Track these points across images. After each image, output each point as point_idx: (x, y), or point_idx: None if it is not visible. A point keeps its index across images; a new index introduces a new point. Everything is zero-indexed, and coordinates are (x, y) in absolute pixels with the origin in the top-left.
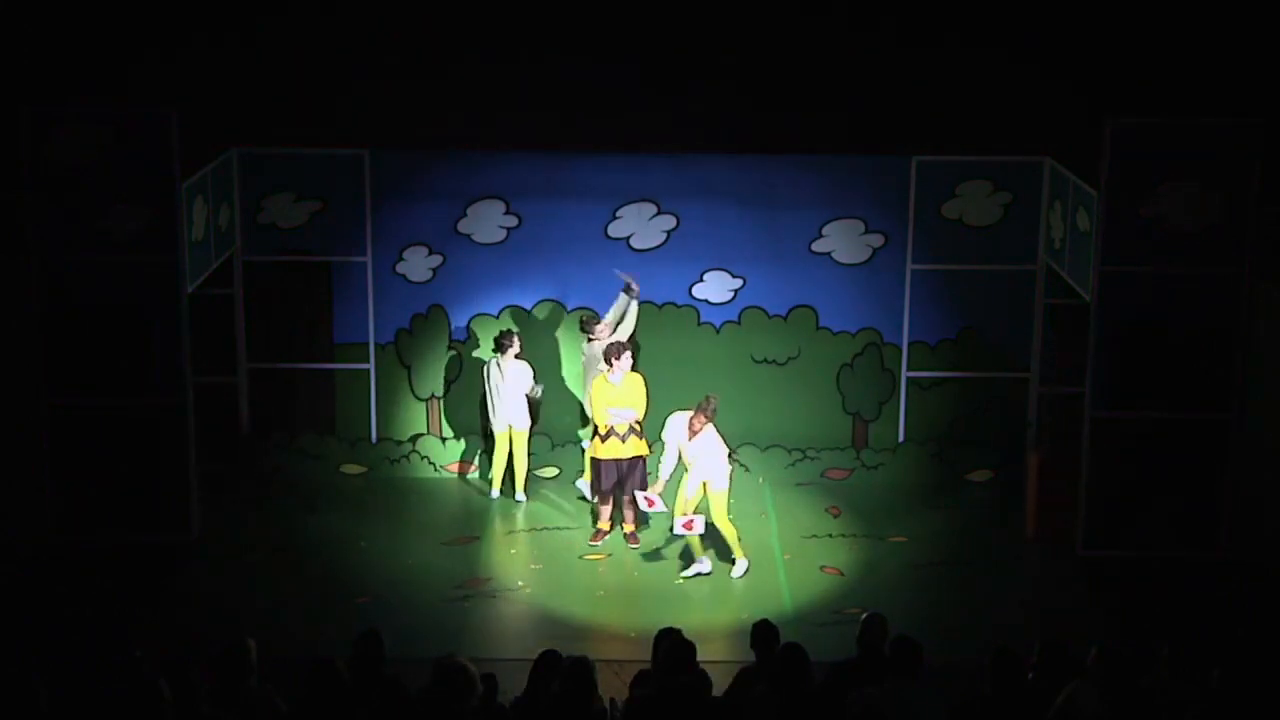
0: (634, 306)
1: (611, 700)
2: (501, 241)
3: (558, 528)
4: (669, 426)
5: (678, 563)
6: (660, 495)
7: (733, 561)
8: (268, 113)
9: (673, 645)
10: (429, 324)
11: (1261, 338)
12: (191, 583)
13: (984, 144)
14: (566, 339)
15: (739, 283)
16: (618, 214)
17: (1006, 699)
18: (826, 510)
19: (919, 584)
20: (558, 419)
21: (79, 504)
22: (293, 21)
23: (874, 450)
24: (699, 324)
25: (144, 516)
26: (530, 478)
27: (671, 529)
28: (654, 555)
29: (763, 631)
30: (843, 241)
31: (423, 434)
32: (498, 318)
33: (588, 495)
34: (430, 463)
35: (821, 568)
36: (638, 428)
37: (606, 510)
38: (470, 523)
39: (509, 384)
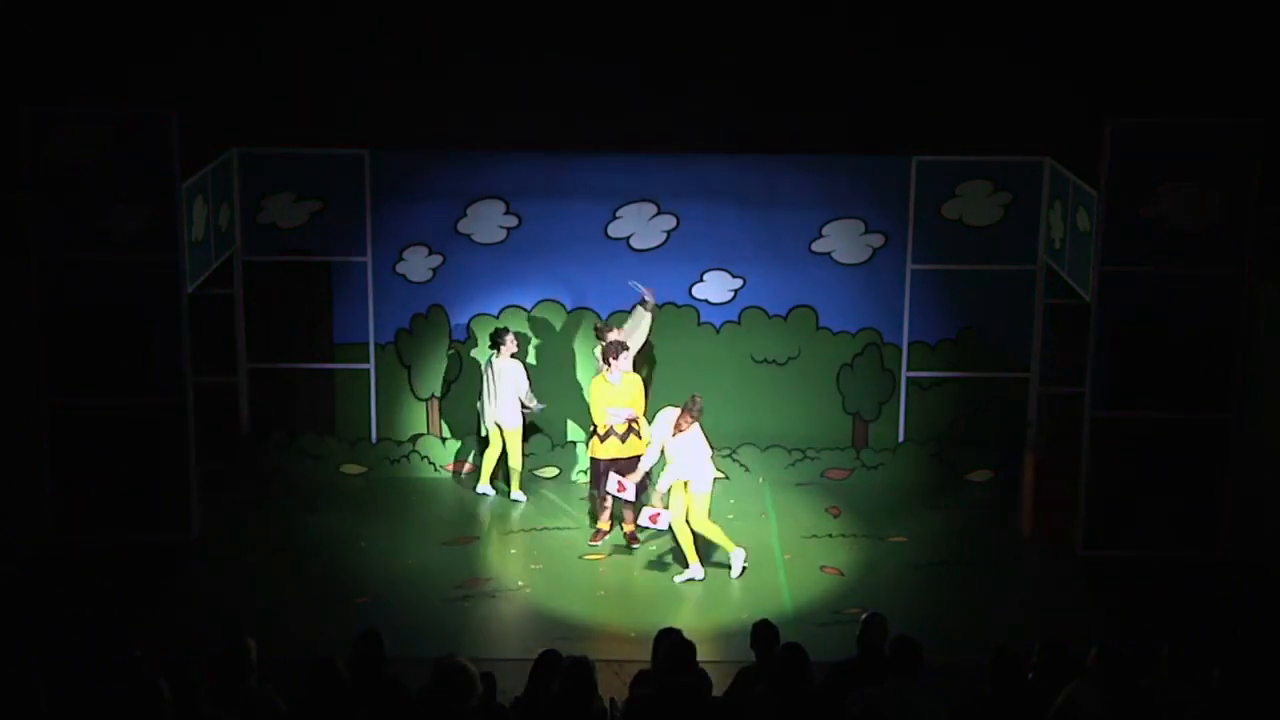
0: (648, 318)
1: (611, 700)
2: (501, 241)
3: (558, 528)
4: (658, 421)
5: (677, 562)
6: (634, 484)
7: (728, 565)
8: (268, 113)
9: (673, 645)
10: (429, 324)
11: (1261, 338)
12: (191, 583)
13: (984, 144)
14: (566, 339)
15: (739, 283)
16: (618, 214)
17: (1006, 699)
18: (826, 510)
19: (919, 584)
20: (560, 420)
21: (79, 504)
22: (293, 21)
23: (874, 450)
24: (699, 324)
25: (144, 516)
26: (530, 477)
27: (637, 518)
28: (654, 555)
29: (763, 631)
30: (843, 241)
31: (423, 434)
32: (498, 318)
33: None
34: (430, 463)
35: (821, 568)
36: (637, 427)
37: (606, 510)
38: (470, 523)
39: (500, 382)
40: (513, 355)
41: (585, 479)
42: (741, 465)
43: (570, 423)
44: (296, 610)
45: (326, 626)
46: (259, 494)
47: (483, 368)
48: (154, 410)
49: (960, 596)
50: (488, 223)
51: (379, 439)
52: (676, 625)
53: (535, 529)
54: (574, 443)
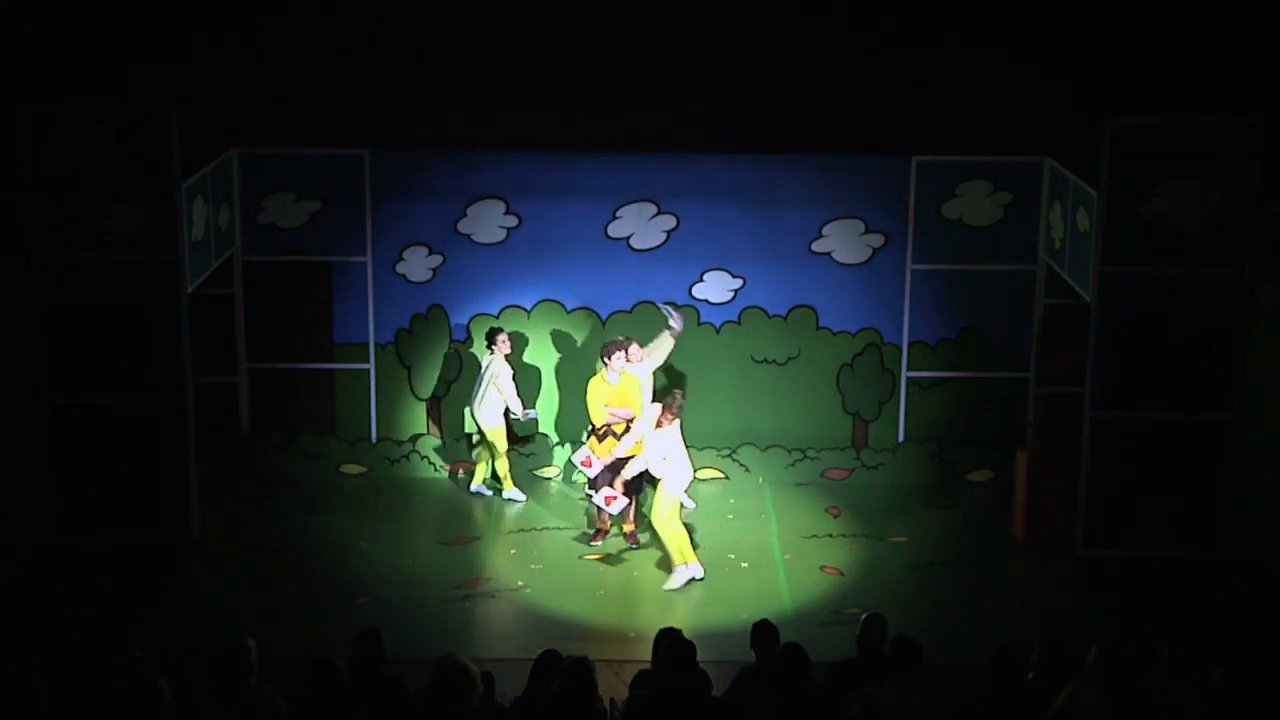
0: (670, 344)
1: (611, 700)
2: (501, 241)
3: (558, 528)
4: (645, 414)
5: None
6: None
7: (735, 566)
8: (268, 113)
9: (673, 645)
10: (429, 324)
11: (1261, 338)
12: (191, 583)
13: (984, 144)
14: (566, 340)
15: (739, 283)
16: (618, 214)
17: (1006, 699)
18: (826, 510)
19: (919, 584)
20: (561, 420)
21: (79, 504)
22: (293, 21)
23: (874, 450)
24: (699, 324)
25: (144, 516)
26: (530, 477)
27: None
28: (654, 555)
29: (763, 631)
30: (843, 241)
31: (423, 434)
32: (498, 318)
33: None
34: (430, 463)
35: (821, 568)
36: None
37: (606, 510)
38: (470, 523)
39: (487, 381)
40: (505, 356)
41: (585, 479)
42: (741, 465)
43: (572, 420)
44: (296, 610)
45: (326, 626)
46: (259, 494)
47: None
48: (154, 410)
49: (960, 596)
50: (488, 223)
51: (379, 439)
52: (676, 625)
53: (535, 529)
54: (577, 442)
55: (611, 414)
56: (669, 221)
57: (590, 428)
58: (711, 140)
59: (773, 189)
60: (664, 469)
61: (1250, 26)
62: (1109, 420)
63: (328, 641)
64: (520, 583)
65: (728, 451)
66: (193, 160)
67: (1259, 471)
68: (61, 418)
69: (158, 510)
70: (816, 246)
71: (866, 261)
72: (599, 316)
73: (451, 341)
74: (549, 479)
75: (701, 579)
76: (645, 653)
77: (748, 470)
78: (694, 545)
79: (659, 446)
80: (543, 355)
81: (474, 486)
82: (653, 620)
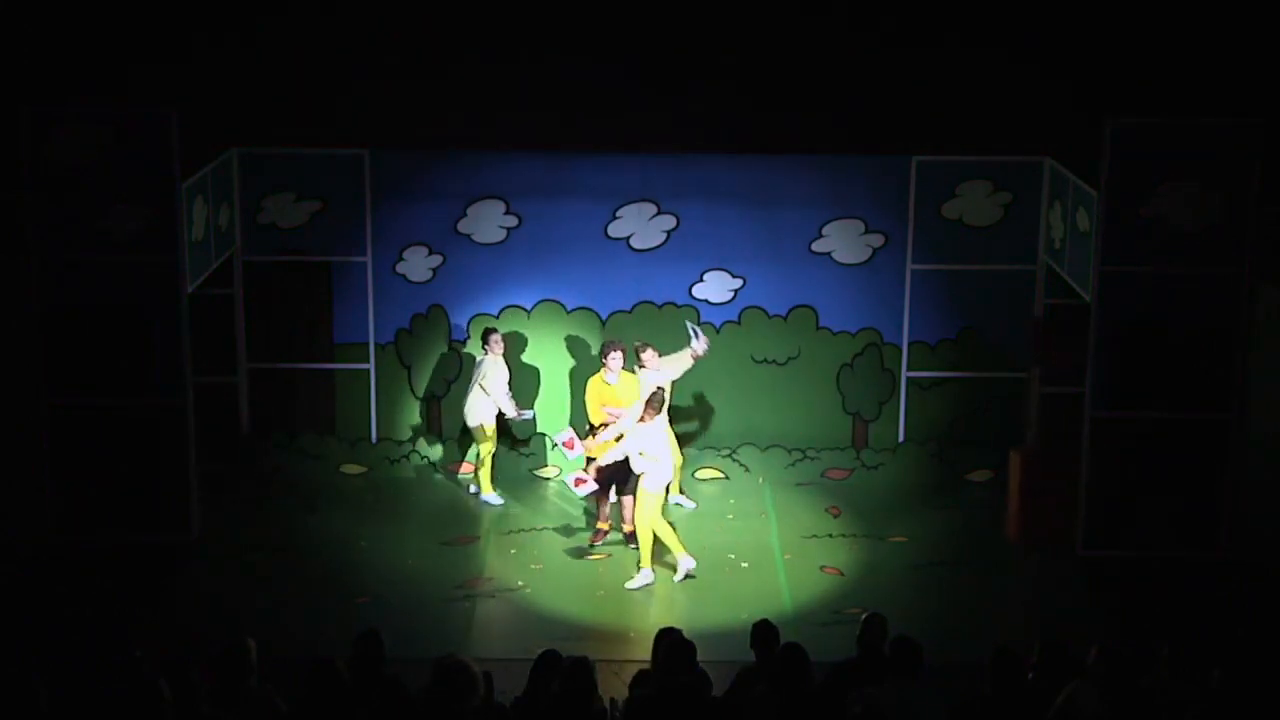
0: (689, 363)
1: (611, 700)
2: (501, 241)
3: (558, 528)
4: (632, 409)
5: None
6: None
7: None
8: (268, 113)
9: (673, 645)
10: (429, 324)
11: (1261, 338)
12: (191, 583)
13: (984, 144)
14: (566, 340)
15: (739, 283)
16: (618, 214)
17: (1006, 699)
18: (826, 510)
19: (919, 584)
20: (561, 421)
21: (79, 504)
22: (293, 21)
23: (874, 450)
24: (699, 324)
25: (144, 516)
26: (530, 477)
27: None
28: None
29: (763, 631)
30: (843, 241)
31: (423, 434)
32: (498, 318)
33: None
34: (430, 463)
35: (821, 568)
36: None
37: (605, 510)
38: (470, 523)
39: (475, 380)
40: (503, 356)
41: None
42: (741, 465)
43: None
44: (296, 610)
45: (326, 626)
46: (259, 494)
47: None
48: (154, 410)
49: (960, 596)
50: (488, 223)
51: (379, 439)
52: (676, 625)
53: (535, 529)
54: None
55: (610, 414)
56: (669, 221)
57: (589, 427)
58: (711, 140)
59: (773, 189)
60: (643, 465)
61: (1250, 26)
62: (1109, 420)
63: (328, 641)
64: (520, 583)
65: (728, 451)
66: (193, 160)
67: (1259, 471)
68: (61, 418)
69: (158, 510)
70: (816, 246)
71: (866, 261)
72: (599, 316)
73: (451, 341)
74: (549, 479)
75: (693, 575)
76: (645, 653)
77: (748, 470)
78: (680, 543)
79: (638, 441)
80: (542, 355)
81: (473, 488)
82: (653, 620)
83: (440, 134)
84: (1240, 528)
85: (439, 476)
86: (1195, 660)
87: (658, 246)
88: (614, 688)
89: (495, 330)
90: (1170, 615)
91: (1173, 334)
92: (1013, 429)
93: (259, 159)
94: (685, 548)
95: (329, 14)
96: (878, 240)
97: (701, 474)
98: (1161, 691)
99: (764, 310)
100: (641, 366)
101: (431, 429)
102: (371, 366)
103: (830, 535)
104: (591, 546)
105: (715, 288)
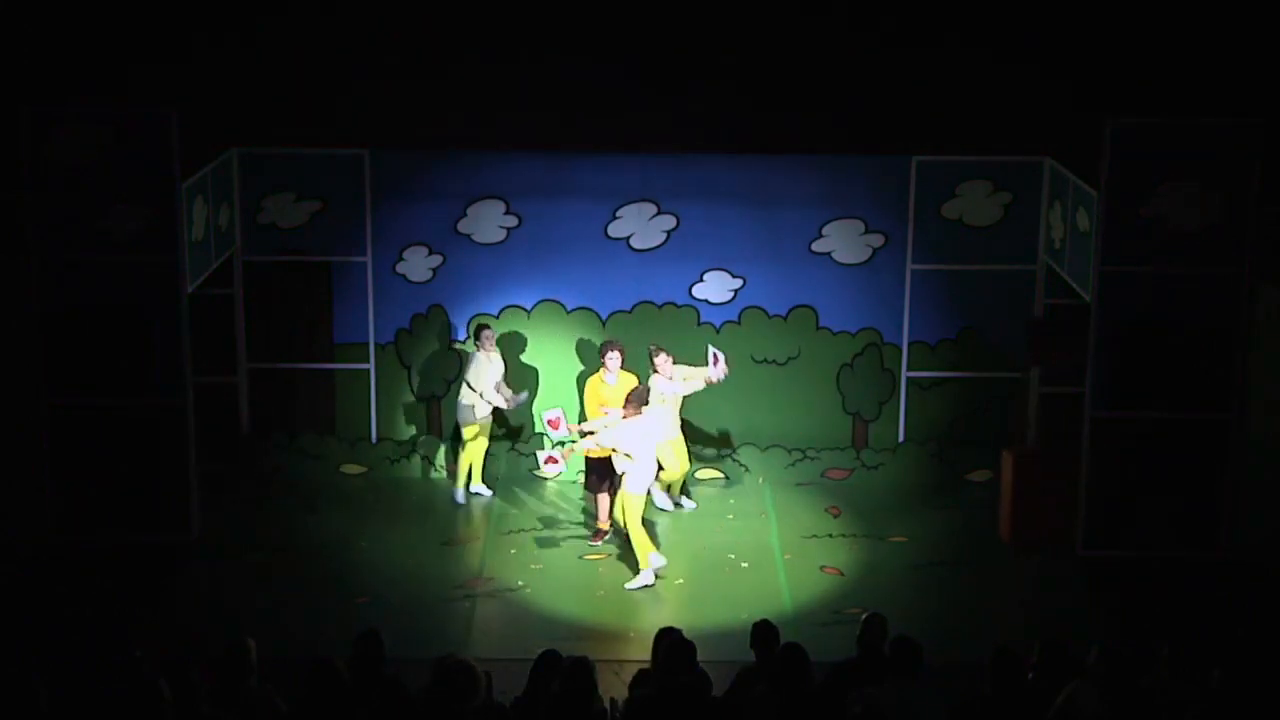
0: (701, 385)
1: (611, 700)
2: (501, 241)
3: (557, 528)
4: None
5: (677, 562)
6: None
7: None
8: (268, 113)
9: (673, 645)
10: (429, 324)
11: (1261, 338)
12: (191, 583)
13: (984, 144)
14: (566, 340)
15: (739, 283)
16: (618, 214)
17: (1006, 699)
18: (826, 510)
19: (919, 584)
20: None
21: (79, 504)
22: (293, 21)
23: (874, 450)
24: (699, 324)
25: (144, 516)
26: (530, 477)
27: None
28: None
29: (763, 631)
30: (843, 241)
31: (423, 434)
32: (498, 318)
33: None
34: (430, 463)
35: (821, 568)
36: None
37: (605, 510)
38: (470, 523)
39: (464, 374)
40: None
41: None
42: (741, 465)
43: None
44: (296, 610)
45: (326, 626)
46: (259, 494)
47: None
48: (154, 410)
49: (960, 596)
50: (488, 223)
51: (379, 439)
52: (676, 625)
53: (535, 529)
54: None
55: (608, 414)
56: (669, 221)
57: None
58: (711, 140)
59: (773, 189)
60: (624, 465)
61: (1250, 26)
62: (1109, 420)
63: (328, 641)
64: (520, 583)
65: (728, 451)
66: (193, 160)
67: (1259, 471)
68: (61, 418)
69: (158, 510)
70: (816, 246)
71: (866, 261)
72: (599, 316)
73: (451, 341)
74: (549, 479)
75: (661, 574)
76: (645, 653)
77: (748, 470)
78: (655, 543)
79: (618, 437)
80: (543, 355)
81: (473, 486)
82: (653, 620)
83: (440, 134)
84: (1240, 528)
85: (439, 476)
86: (1195, 660)
87: (658, 246)
88: (614, 688)
89: (488, 326)
90: (1170, 615)
91: (1173, 334)
92: (1013, 429)
93: (259, 159)
94: (656, 549)
95: (329, 14)
96: (878, 240)
97: (701, 474)
98: (1161, 691)
99: (764, 310)
100: (654, 371)
101: (431, 429)
102: (371, 366)
103: (830, 535)
104: (591, 546)
105: (715, 288)
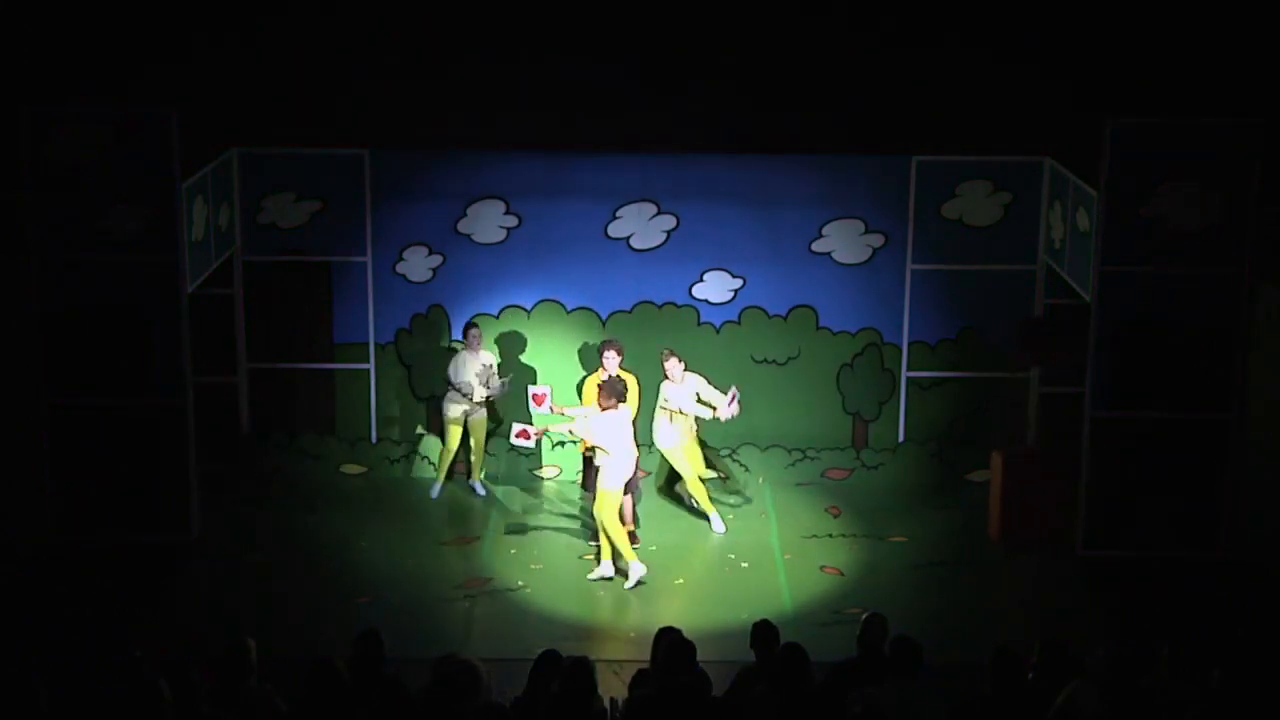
0: (708, 416)
1: (611, 700)
2: (501, 241)
3: (558, 528)
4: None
5: (677, 562)
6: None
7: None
8: (268, 113)
9: (672, 645)
10: (429, 324)
11: (1261, 338)
12: (191, 583)
13: (984, 144)
14: (566, 340)
15: (739, 283)
16: (618, 214)
17: (1006, 699)
18: (826, 510)
19: (919, 584)
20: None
21: (79, 504)
22: (293, 21)
23: (874, 450)
24: (699, 324)
25: (144, 516)
26: (530, 477)
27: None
28: (654, 555)
29: (763, 631)
30: (843, 241)
31: (423, 434)
32: (498, 318)
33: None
34: (430, 463)
35: (821, 568)
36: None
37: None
38: (470, 523)
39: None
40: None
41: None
42: (741, 465)
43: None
44: (296, 610)
45: (326, 626)
46: (259, 494)
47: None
48: (154, 410)
49: (960, 596)
50: (488, 223)
51: (379, 439)
52: (676, 625)
53: (535, 529)
54: (574, 443)
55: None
56: (669, 221)
57: None
58: (711, 140)
59: (773, 189)
60: (600, 459)
61: (1250, 26)
62: (1109, 420)
63: (328, 641)
64: (520, 583)
65: (728, 451)
66: (193, 160)
67: (1259, 471)
68: (61, 418)
69: (158, 510)
70: (816, 246)
71: (866, 261)
72: (599, 316)
73: (451, 341)
74: (549, 479)
75: (643, 580)
76: (645, 653)
77: (748, 470)
78: (630, 551)
79: (592, 429)
80: (542, 355)
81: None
82: (653, 620)
83: (440, 134)
84: (1240, 528)
85: (435, 476)
86: (1195, 660)
87: (658, 246)
88: (614, 688)
89: (475, 325)
90: (1170, 615)
91: (1173, 334)
92: (1009, 429)
93: (259, 159)
94: (636, 555)
95: (329, 14)
96: (878, 240)
97: (701, 474)
98: (1161, 691)
99: (764, 310)
100: (666, 378)
101: (431, 429)
102: (371, 366)
103: (830, 535)
104: (593, 545)
105: (715, 288)
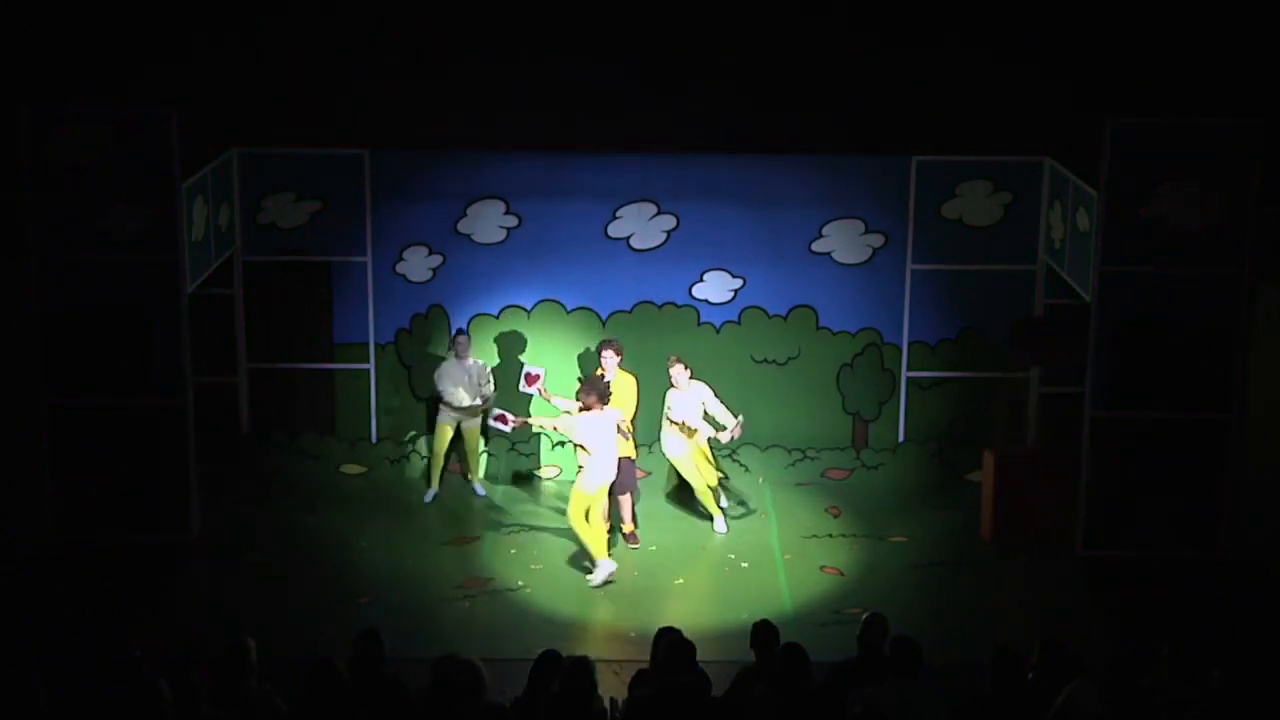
0: (710, 435)
1: (612, 700)
2: (501, 241)
3: (558, 528)
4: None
5: (677, 562)
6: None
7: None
8: (268, 113)
9: (672, 645)
10: (429, 324)
11: (1261, 338)
12: (191, 583)
13: (984, 144)
14: (566, 340)
15: (739, 283)
16: (618, 214)
17: (1006, 699)
18: (826, 510)
19: (919, 584)
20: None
21: (79, 504)
22: (293, 21)
23: (874, 450)
24: (699, 324)
25: (144, 516)
26: (530, 476)
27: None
28: (654, 555)
29: (763, 631)
30: (843, 241)
31: (423, 434)
32: (498, 318)
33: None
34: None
35: (821, 568)
36: (628, 428)
37: (627, 511)
38: (470, 523)
39: None
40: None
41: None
42: (741, 465)
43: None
44: (296, 610)
45: (326, 626)
46: (259, 494)
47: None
48: (154, 410)
49: (960, 596)
50: (488, 223)
51: (379, 439)
52: (676, 625)
53: (535, 529)
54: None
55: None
56: (669, 221)
57: None
58: (711, 140)
59: (773, 189)
60: (581, 458)
61: (1250, 26)
62: (1109, 420)
63: (328, 641)
64: (520, 583)
65: (728, 451)
66: (193, 160)
67: (1259, 471)
68: (61, 418)
69: (158, 510)
70: (816, 246)
71: (866, 261)
72: (599, 316)
73: (452, 342)
74: (549, 479)
75: (612, 580)
76: (645, 653)
77: (748, 470)
78: (603, 549)
79: (574, 428)
80: (542, 355)
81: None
82: (653, 620)
83: (440, 134)
84: (1240, 528)
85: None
86: (1195, 660)
87: (658, 246)
88: (614, 688)
89: (462, 331)
90: (1170, 615)
91: (1173, 334)
92: (1013, 429)
93: (259, 159)
94: (607, 554)
95: (329, 14)
96: (878, 240)
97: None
98: (1161, 691)
99: (764, 310)
100: (673, 386)
101: (431, 429)
102: (371, 366)
103: (830, 535)
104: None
105: (715, 288)
